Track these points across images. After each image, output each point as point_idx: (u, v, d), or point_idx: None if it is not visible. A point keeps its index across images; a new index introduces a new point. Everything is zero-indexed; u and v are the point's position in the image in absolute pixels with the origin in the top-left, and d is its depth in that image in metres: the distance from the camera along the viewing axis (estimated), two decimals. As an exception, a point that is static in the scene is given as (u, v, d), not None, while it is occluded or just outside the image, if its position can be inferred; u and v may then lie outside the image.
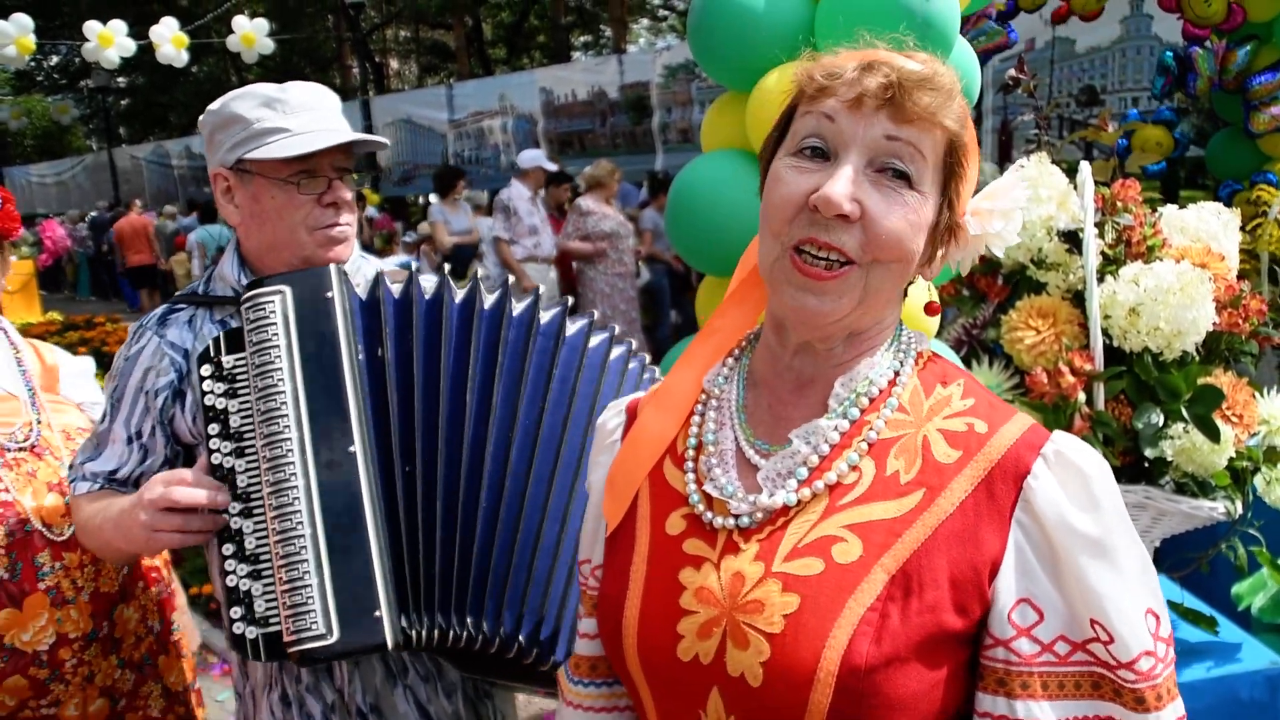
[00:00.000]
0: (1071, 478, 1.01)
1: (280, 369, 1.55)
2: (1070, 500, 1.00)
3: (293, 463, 1.52)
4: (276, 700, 1.79)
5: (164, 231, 16.78)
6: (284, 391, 1.54)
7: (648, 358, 1.86)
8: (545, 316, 1.73)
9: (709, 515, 1.10)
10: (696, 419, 1.19)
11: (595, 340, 1.77)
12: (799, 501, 1.06)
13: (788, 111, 1.12)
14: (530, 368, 1.69)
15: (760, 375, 1.17)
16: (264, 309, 1.57)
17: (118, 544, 1.69)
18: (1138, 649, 0.98)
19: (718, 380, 1.20)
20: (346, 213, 1.80)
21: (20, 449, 2.01)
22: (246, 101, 1.75)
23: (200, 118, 1.84)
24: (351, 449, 1.56)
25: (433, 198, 11.52)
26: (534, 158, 8.66)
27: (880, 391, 1.09)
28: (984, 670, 1.02)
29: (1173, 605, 2.07)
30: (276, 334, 1.56)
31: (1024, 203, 1.16)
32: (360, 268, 1.90)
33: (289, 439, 1.52)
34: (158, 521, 1.57)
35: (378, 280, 1.67)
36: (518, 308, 1.72)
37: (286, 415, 1.53)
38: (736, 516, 1.08)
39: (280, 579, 1.49)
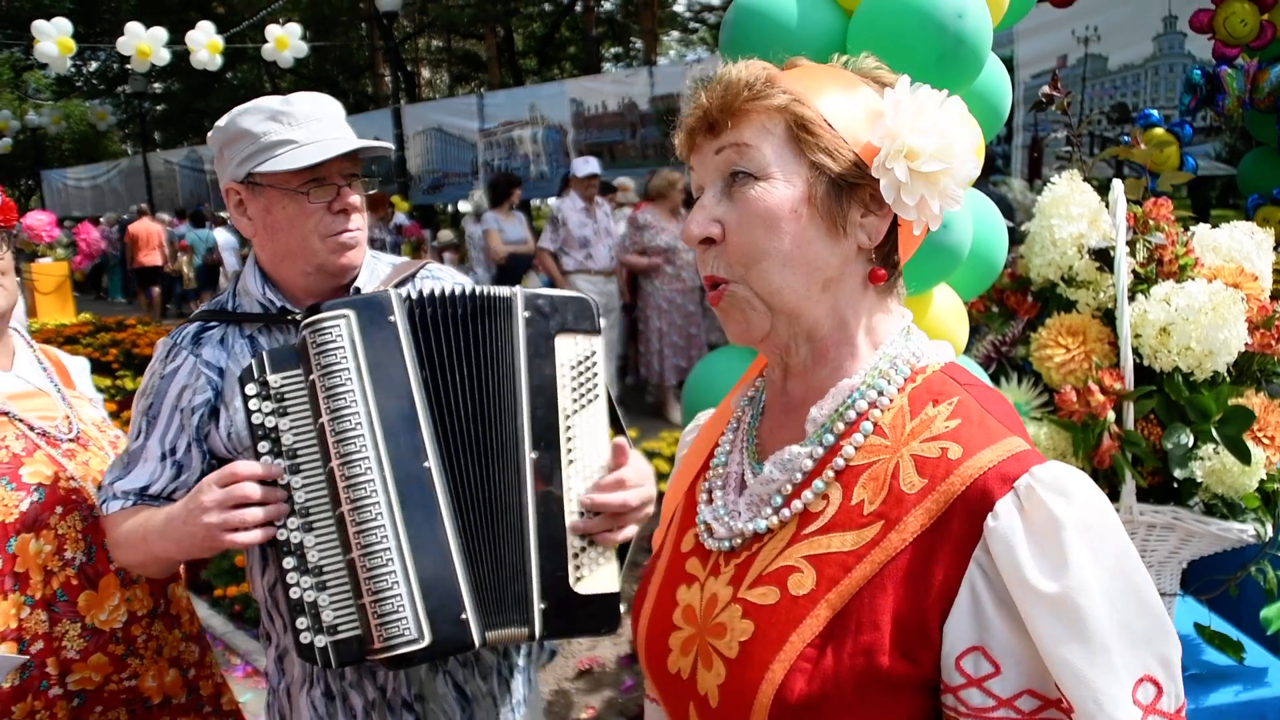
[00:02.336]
0: (1040, 522, 0.90)
1: (352, 390, 1.59)
2: (1031, 549, 0.89)
3: (372, 480, 1.56)
4: (319, 696, 1.83)
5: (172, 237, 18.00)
6: (358, 412, 1.58)
7: (497, 290, 1.77)
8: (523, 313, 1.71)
9: (704, 536, 1.13)
10: (723, 438, 1.22)
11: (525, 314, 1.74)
12: (768, 528, 1.06)
13: None
14: (519, 367, 1.70)
15: (767, 401, 1.19)
16: (329, 333, 1.61)
17: (167, 551, 1.71)
18: None
19: (741, 402, 1.22)
20: (356, 217, 1.84)
21: (70, 440, 2.09)
22: (253, 116, 1.78)
23: (209, 134, 1.87)
24: (426, 464, 1.60)
25: (464, 205, 11.40)
26: (580, 165, 8.28)
27: (858, 415, 1.05)
28: (942, 713, 0.96)
29: (1199, 629, 2.05)
30: (345, 357, 1.60)
31: (940, 110, 1.03)
32: (375, 269, 1.95)
33: (366, 458, 1.56)
34: (230, 519, 1.59)
35: (419, 302, 1.69)
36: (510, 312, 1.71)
37: (362, 435, 1.57)
38: (720, 540, 1.10)
39: (368, 589, 1.53)
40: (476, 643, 1.57)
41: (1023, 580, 0.89)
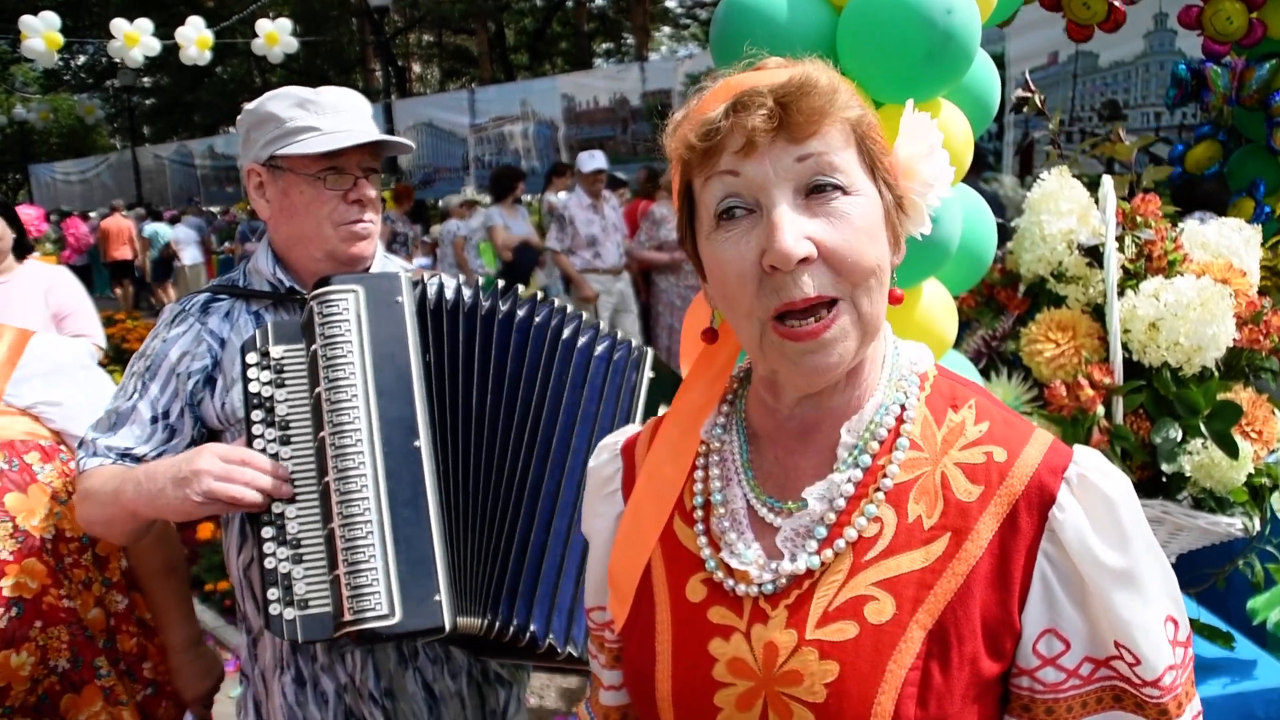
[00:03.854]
0: (1098, 506, 0.97)
1: (352, 363, 1.61)
2: (1098, 533, 0.96)
3: (362, 451, 1.57)
4: (290, 681, 1.84)
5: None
6: (355, 384, 1.60)
7: (635, 343, 1.87)
8: (539, 317, 1.78)
9: (730, 583, 1.04)
10: (699, 473, 1.13)
11: (582, 339, 1.80)
12: (822, 563, 1.00)
13: (684, 189, 1.04)
14: (551, 374, 1.75)
15: (759, 428, 1.11)
16: (336, 305, 1.63)
17: (136, 505, 1.68)
18: (1162, 666, 0.97)
19: (715, 431, 1.13)
20: (370, 210, 1.88)
21: None
22: (282, 101, 1.83)
23: (239, 117, 1.92)
24: (416, 444, 1.62)
25: (454, 198, 11.28)
26: (586, 160, 7.91)
27: (889, 431, 1.03)
28: (1010, 694, 1.01)
29: (1189, 621, 2.05)
30: (350, 329, 1.62)
31: (936, 137, 1.06)
32: (385, 268, 1.96)
33: (359, 429, 1.58)
34: (216, 490, 1.57)
35: (433, 289, 1.72)
36: (539, 317, 1.77)
37: (357, 406, 1.59)
38: (760, 584, 1.02)
39: (344, 560, 1.53)
40: (447, 626, 1.56)
41: (1096, 561, 0.96)
